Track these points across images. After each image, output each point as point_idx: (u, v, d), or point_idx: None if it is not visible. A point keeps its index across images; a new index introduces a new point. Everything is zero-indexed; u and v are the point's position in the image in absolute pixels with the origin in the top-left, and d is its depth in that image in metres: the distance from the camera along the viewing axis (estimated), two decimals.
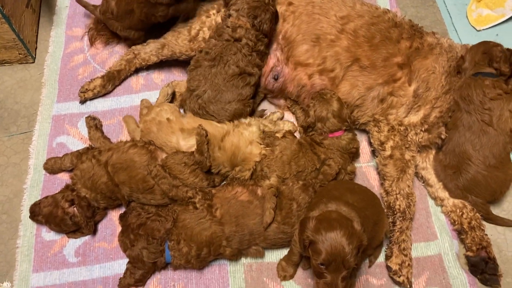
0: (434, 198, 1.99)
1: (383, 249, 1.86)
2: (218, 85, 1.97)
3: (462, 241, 1.90)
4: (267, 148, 1.92)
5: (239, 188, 1.86)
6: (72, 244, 1.90)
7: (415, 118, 1.96)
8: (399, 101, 1.97)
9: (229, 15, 2.04)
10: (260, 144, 1.94)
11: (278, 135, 2.01)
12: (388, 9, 2.11)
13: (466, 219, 1.88)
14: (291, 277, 1.82)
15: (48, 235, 1.92)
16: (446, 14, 2.52)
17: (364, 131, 2.11)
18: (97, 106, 2.25)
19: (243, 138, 1.95)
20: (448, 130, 1.96)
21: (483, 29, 2.44)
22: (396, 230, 1.84)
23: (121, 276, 1.79)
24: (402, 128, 1.94)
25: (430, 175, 2.00)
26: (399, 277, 1.77)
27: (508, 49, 1.98)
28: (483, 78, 1.94)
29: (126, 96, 2.27)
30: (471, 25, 2.46)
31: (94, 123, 2.12)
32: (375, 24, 2.00)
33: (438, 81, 1.95)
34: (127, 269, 1.80)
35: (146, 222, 1.80)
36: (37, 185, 2.03)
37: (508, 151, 1.91)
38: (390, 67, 1.97)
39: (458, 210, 1.90)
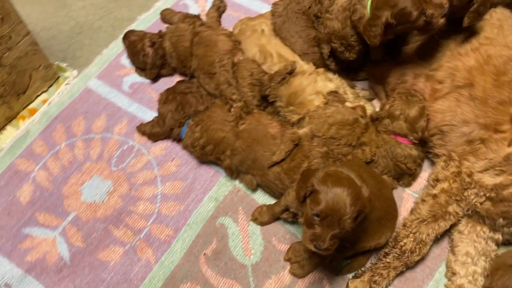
0: (448, 267, 1.69)
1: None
2: (288, 15, 1.95)
3: None
4: (324, 104, 1.84)
5: (276, 122, 1.83)
6: (133, 78, 2.13)
7: (489, 180, 1.64)
8: (486, 154, 1.66)
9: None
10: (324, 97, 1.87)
11: (349, 104, 1.90)
12: None
13: None
14: (261, 224, 1.78)
15: (127, 61, 2.18)
16: None
17: (432, 162, 1.86)
18: None
19: (314, 85, 1.89)
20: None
21: None
22: (383, 261, 1.63)
23: (142, 122, 1.97)
24: (467, 179, 1.65)
25: (461, 243, 1.69)
26: None
27: None
28: None
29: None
30: None
31: (219, 4, 2.28)
32: None
33: None
34: (152, 120, 1.96)
35: (186, 93, 1.92)
36: (148, 22, 2.29)
37: None
38: (501, 114, 1.65)
39: None
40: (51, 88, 2.07)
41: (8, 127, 1.97)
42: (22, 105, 1.99)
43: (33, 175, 1.88)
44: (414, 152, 1.79)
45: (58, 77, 2.09)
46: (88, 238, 1.74)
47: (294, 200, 1.56)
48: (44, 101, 2.04)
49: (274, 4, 2.05)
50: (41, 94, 2.05)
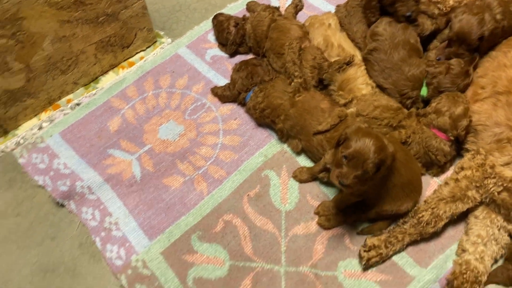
0: (459, 245, 1.87)
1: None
2: (347, 10, 2.36)
3: None
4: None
5: (327, 100, 2.12)
6: (215, 51, 2.53)
7: (509, 173, 1.82)
8: (510, 151, 1.85)
9: None
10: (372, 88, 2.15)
11: None
12: None
13: (463, 278, 1.74)
14: (300, 181, 2.06)
15: (212, 38, 2.59)
16: None
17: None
18: None
19: (366, 77, 2.18)
20: None
21: None
22: (400, 227, 1.85)
23: (216, 86, 2.36)
24: (489, 170, 1.84)
25: (475, 226, 1.87)
26: (363, 251, 1.82)
27: None
28: None
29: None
30: None
31: (297, 3, 2.64)
32: None
33: None
34: (224, 85, 2.33)
35: (257, 65, 2.28)
36: (235, 10, 2.71)
37: None
38: None
39: (465, 268, 1.77)
40: (148, 49, 2.52)
41: (110, 72, 2.44)
42: (124, 57, 2.45)
43: (123, 111, 2.30)
44: (447, 148, 2.00)
45: (156, 41, 2.55)
46: (157, 166, 2.12)
47: (331, 158, 1.85)
48: (141, 58, 2.49)
49: (337, 6, 2.41)
50: (140, 51, 2.50)
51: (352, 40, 2.30)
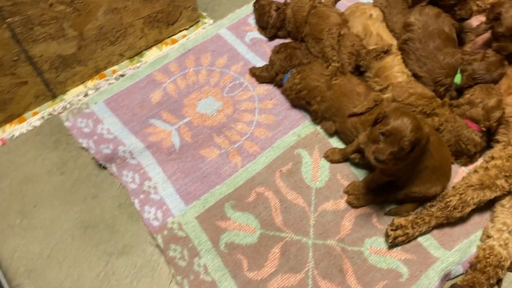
0: (484, 232, 1.92)
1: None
2: (388, 1, 2.40)
3: (465, 274, 1.84)
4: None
5: (364, 85, 2.19)
6: (254, 34, 2.63)
7: None
8: None
9: None
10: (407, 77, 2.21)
11: None
12: None
13: (486, 262, 1.80)
14: (331, 161, 2.14)
15: (253, 21, 2.69)
16: None
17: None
18: None
19: (403, 65, 2.24)
20: None
21: None
22: (427, 210, 1.91)
23: (254, 66, 2.45)
24: None
25: (501, 214, 1.91)
26: (390, 230, 1.89)
27: None
28: None
29: None
30: None
31: None
32: None
33: None
34: (263, 66, 2.42)
35: (296, 48, 2.36)
36: None
37: None
38: None
39: (488, 253, 1.82)
40: (191, 28, 2.63)
41: (154, 48, 2.55)
42: (168, 33, 2.56)
43: (165, 85, 2.41)
44: (478, 138, 2.05)
45: (198, 21, 2.65)
46: (195, 137, 2.22)
47: (365, 138, 1.91)
48: (184, 36, 2.60)
49: None
50: (183, 30, 2.62)
51: (391, 31, 2.36)
